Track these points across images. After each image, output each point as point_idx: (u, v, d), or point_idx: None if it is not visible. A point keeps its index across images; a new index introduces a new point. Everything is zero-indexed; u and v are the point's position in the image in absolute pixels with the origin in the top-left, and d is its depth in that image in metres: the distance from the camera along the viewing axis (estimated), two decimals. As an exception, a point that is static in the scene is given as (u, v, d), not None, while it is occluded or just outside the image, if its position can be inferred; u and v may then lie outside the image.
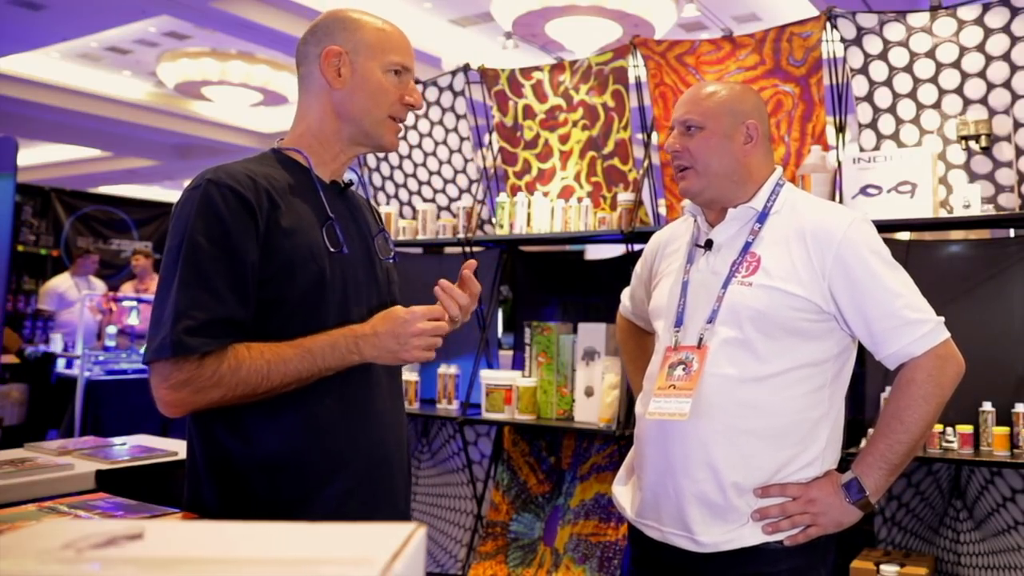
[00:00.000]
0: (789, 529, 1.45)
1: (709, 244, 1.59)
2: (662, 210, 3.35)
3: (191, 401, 1.23)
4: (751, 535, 1.46)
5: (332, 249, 1.35)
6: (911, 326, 1.47)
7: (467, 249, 3.53)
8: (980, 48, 2.67)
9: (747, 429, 1.46)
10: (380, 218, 1.59)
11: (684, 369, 1.51)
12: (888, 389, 2.71)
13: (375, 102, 1.39)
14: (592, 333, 3.16)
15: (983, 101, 2.69)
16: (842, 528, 1.48)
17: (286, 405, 1.28)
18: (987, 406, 2.59)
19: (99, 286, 6.77)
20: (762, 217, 1.56)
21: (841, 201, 2.75)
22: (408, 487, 1.48)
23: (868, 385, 2.90)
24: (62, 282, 6.71)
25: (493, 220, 3.58)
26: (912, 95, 2.79)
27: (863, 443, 2.65)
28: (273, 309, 1.29)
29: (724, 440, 1.46)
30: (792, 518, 1.45)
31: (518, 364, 3.61)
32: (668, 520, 1.52)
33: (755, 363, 1.47)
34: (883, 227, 2.72)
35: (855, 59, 2.84)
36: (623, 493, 1.68)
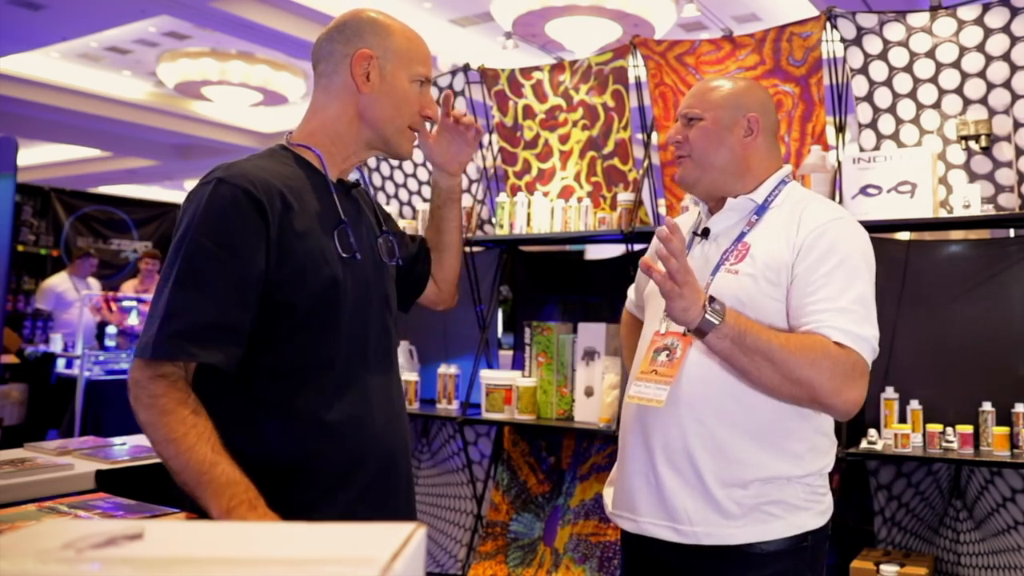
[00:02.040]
0: (655, 261, 1.36)
1: (706, 233, 1.59)
2: (662, 210, 3.35)
3: (135, 404, 1.22)
4: (735, 533, 1.45)
5: (344, 254, 1.34)
6: (843, 316, 1.39)
7: (467, 249, 3.53)
8: (980, 48, 2.67)
9: (729, 421, 1.45)
10: (382, 218, 1.57)
11: (668, 355, 1.50)
12: (888, 389, 2.72)
13: (399, 111, 1.40)
14: (592, 333, 3.16)
15: (983, 101, 2.69)
16: (678, 313, 1.36)
17: (298, 409, 1.28)
18: (987, 406, 2.59)
19: (96, 286, 6.77)
20: (761, 210, 1.56)
21: (841, 201, 2.75)
22: (411, 489, 1.48)
23: (869, 385, 2.89)
24: (60, 282, 6.70)
25: (493, 220, 3.58)
26: (912, 95, 2.79)
27: (863, 443, 2.65)
28: (285, 314, 1.28)
29: (703, 431, 1.46)
30: (666, 260, 1.33)
31: (518, 364, 3.61)
32: (645, 510, 1.50)
33: None
34: (883, 227, 2.74)
35: (855, 59, 2.84)
36: (609, 494, 1.68)
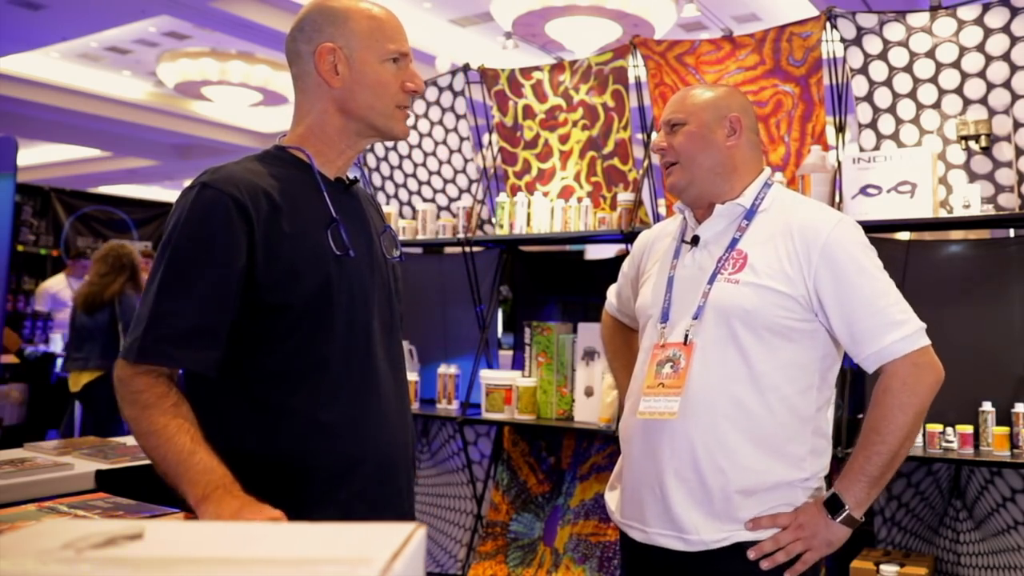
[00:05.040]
0: (784, 560, 1.45)
1: (696, 240, 1.58)
2: (662, 210, 3.35)
3: (120, 401, 1.24)
4: (740, 534, 1.46)
5: (337, 252, 1.33)
6: (895, 327, 1.45)
7: (467, 249, 3.53)
8: (980, 48, 2.67)
9: (733, 429, 1.46)
10: (382, 215, 1.57)
11: (672, 367, 1.51)
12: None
13: (377, 96, 1.36)
14: (592, 333, 3.16)
15: (983, 101, 2.69)
16: (834, 548, 1.48)
17: (295, 409, 1.28)
18: (987, 406, 2.59)
19: None
20: (750, 214, 1.56)
21: (841, 201, 2.75)
22: (411, 489, 1.47)
23: (868, 385, 2.89)
24: (56, 283, 6.70)
25: (493, 220, 3.58)
26: (912, 95, 2.79)
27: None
28: (278, 315, 1.28)
29: (711, 439, 1.46)
30: (786, 548, 1.45)
31: (518, 364, 3.61)
32: (654, 520, 1.51)
33: (741, 362, 1.47)
34: (883, 227, 2.74)
35: (855, 59, 2.84)
36: (613, 499, 1.68)
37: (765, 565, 1.45)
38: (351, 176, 1.47)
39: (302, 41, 1.36)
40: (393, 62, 1.36)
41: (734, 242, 1.53)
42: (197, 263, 1.23)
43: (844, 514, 1.45)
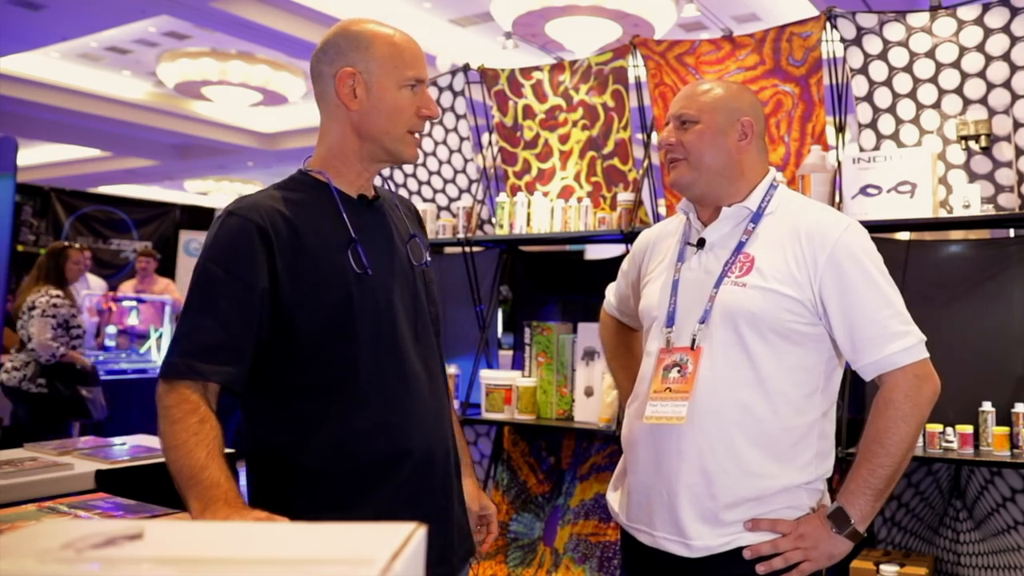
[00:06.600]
0: (782, 566, 1.45)
1: (701, 243, 1.57)
2: (662, 210, 3.35)
3: (158, 418, 1.28)
4: (743, 538, 1.46)
5: (358, 271, 1.38)
6: (896, 338, 1.45)
7: (467, 249, 3.53)
8: (980, 48, 2.67)
9: (740, 433, 1.45)
10: (420, 219, 1.65)
11: (679, 371, 1.50)
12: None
13: (392, 121, 1.41)
14: (592, 333, 3.16)
15: (983, 101, 2.69)
16: (834, 561, 1.47)
17: (329, 419, 1.35)
18: (987, 406, 2.59)
19: (97, 285, 6.75)
20: (756, 217, 1.54)
21: (841, 201, 2.75)
22: (453, 483, 1.50)
23: (868, 385, 2.89)
24: None
25: (493, 220, 3.58)
26: (912, 95, 2.79)
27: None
28: (306, 332, 1.34)
29: (718, 444, 1.46)
30: (785, 555, 1.45)
31: (518, 364, 3.61)
32: (660, 524, 1.50)
33: (748, 366, 1.46)
34: (883, 227, 2.74)
35: (855, 59, 2.84)
36: (615, 499, 1.67)
37: (761, 569, 1.44)
38: (375, 190, 1.51)
39: (325, 63, 1.41)
40: (410, 88, 1.41)
41: (740, 245, 1.52)
42: (220, 285, 1.31)
43: (849, 528, 1.44)
